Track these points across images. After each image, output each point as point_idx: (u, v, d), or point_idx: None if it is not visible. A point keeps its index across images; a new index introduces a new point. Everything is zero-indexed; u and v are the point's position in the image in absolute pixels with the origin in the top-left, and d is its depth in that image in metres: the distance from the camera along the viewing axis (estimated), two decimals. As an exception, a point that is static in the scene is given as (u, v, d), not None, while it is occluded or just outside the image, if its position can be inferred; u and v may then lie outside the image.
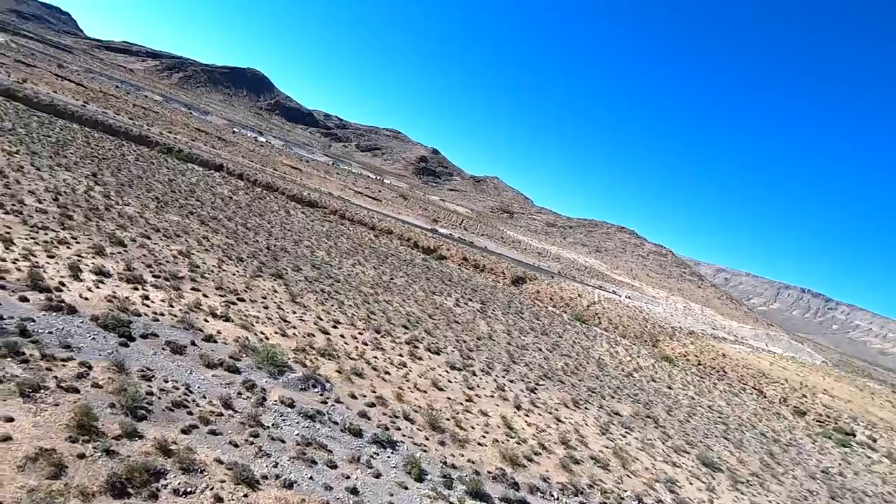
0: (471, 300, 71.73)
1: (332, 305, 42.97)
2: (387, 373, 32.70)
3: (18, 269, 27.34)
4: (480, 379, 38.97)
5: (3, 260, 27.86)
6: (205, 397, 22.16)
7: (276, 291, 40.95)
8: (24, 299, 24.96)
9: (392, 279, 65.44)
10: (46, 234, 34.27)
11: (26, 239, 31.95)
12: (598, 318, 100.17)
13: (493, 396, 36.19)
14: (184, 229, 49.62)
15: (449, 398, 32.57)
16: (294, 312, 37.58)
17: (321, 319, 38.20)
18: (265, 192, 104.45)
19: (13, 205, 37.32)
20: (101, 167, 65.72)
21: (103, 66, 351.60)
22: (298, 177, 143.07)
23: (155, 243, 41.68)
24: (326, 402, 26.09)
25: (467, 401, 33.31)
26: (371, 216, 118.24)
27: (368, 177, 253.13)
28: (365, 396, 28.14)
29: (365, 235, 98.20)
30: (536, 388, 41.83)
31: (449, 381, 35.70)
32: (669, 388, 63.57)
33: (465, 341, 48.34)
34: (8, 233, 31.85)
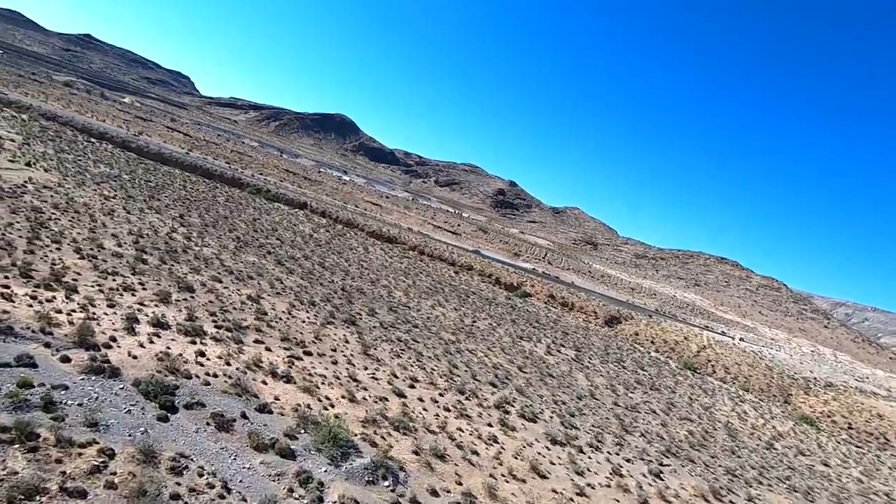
0: (563, 346, 63.38)
1: (410, 358, 37.49)
2: (474, 452, 26.13)
3: (71, 322, 24.65)
4: (590, 458, 31.03)
5: (59, 311, 25.44)
6: (245, 500, 17.03)
7: (347, 342, 36.31)
8: (65, 359, 21.89)
9: (475, 322, 59.27)
10: (114, 279, 32.35)
11: (91, 286, 29.92)
12: (712, 365, 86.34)
13: (609, 485, 28.15)
14: (258, 270, 47.35)
15: (555, 490, 25.20)
16: (366, 368, 32.47)
17: (396, 377, 32.71)
18: (345, 229, 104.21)
19: (91, 249, 36.42)
20: (189, 209, 67.22)
21: (211, 119, 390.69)
22: (379, 212, 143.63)
23: (225, 287, 39.10)
24: (400, 503, 20.09)
25: (578, 494, 25.70)
26: (451, 251, 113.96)
27: (447, 211, 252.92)
28: (449, 492, 21.79)
29: (445, 272, 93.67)
30: (662, 471, 32.90)
31: (552, 463, 28.29)
32: (825, 464, 50.28)
33: (563, 402, 40.48)
34: (75, 280, 30.06)
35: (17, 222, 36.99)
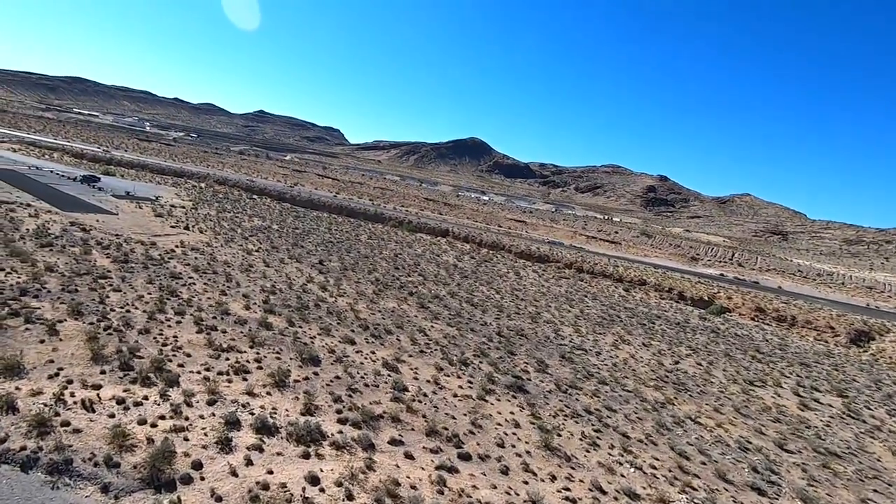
0: (817, 390, 43.98)
1: (612, 447, 25.06)
2: None
3: (150, 440, 17.93)
4: None
5: (143, 422, 19.10)
6: None
7: (517, 425, 25.43)
8: (120, 514, 14.72)
9: (677, 364, 43.90)
10: (228, 358, 26.36)
11: (198, 373, 23.92)
12: None
13: None
14: (398, 320, 39.50)
15: None
16: (553, 479, 21.07)
17: (603, 492, 20.65)
18: (491, 253, 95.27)
19: (214, 318, 31.72)
20: (331, 252, 64.11)
21: (358, 163, 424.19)
22: (524, 230, 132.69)
23: (358, 350, 31.45)
24: None
25: None
26: (614, 265, 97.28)
27: (595, 218, 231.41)
28: None
29: (614, 291, 78.28)
30: None
31: None
32: None
33: (891, 517, 23.84)
34: (182, 365, 24.42)
35: (149, 293, 34.25)
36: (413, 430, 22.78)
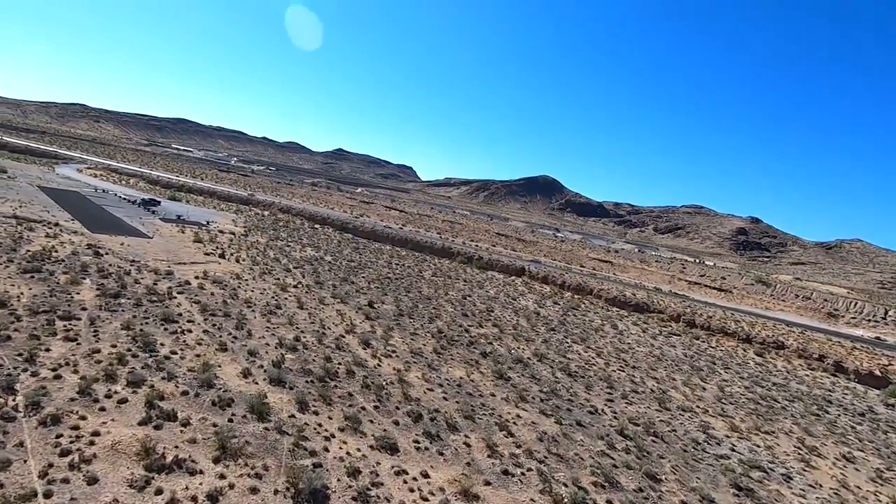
0: None
1: None
2: None
3: None
4: None
5: None
6: None
7: None
8: None
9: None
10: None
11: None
12: None
13: None
14: (468, 404, 26.18)
15: None
16: None
17: None
18: (577, 298, 79.82)
19: (182, 393, 20.27)
20: (386, 291, 52.50)
21: (428, 198, 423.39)
22: (610, 271, 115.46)
23: (399, 469, 18.49)
24: None
25: None
26: (733, 319, 78.06)
27: (685, 260, 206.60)
28: None
29: (744, 356, 59.98)
30: None
31: None
32: None
33: None
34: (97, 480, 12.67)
35: (113, 346, 23.68)
36: None
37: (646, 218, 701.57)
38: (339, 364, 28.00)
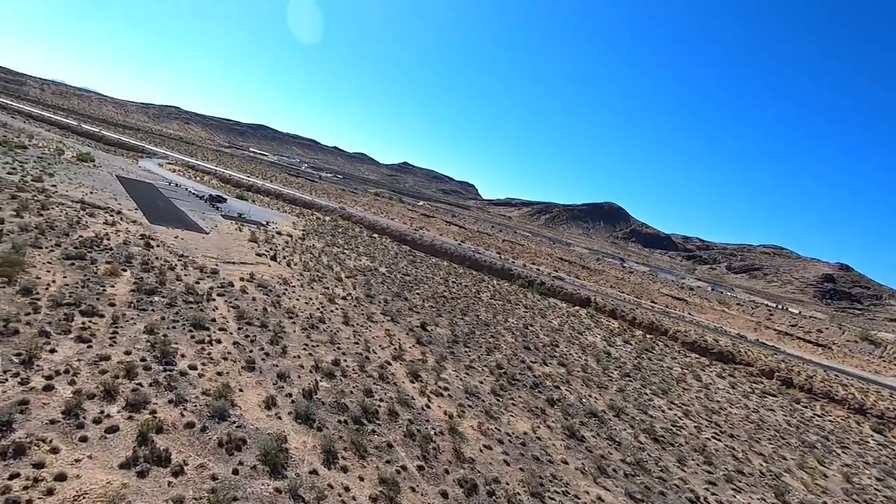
0: None
1: None
2: None
3: None
4: None
5: None
6: None
7: None
8: None
9: None
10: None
11: None
12: None
13: None
14: (534, 473, 20.62)
15: None
16: None
17: None
18: (650, 338, 71.36)
19: (186, 425, 16.32)
20: (441, 312, 47.80)
21: (488, 217, 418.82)
22: (685, 310, 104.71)
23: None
24: None
25: None
26: (841, 383, 66.56)
27: (767, 305, 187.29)
28: None
29: (861, 431, 49.51)
30: None
31: None
32: None
33: None
34: None
35: (127, 353, 20.44)
36: None
37: (717, 255, 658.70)
38: (381, 401, 23.36)
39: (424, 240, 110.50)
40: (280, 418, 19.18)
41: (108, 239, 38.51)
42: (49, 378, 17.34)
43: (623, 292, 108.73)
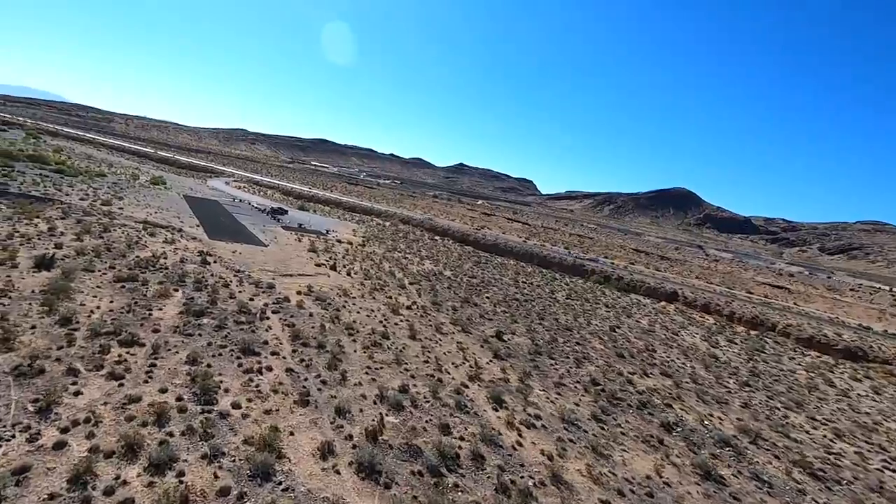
0: None
1: None
2: None
3: None
4: None
5: None
6: None
7: None
8: None
9: None
10: None
11: None
12: None
13: None
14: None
15: None
16: None
17: None
18: (756, 335, 62.07)
19: (219, 491, 12.59)
20: (516, 317, 42.75)
21: (550, 212, 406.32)
22: (789, 299, 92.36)
23: None
24: None
25: None
26: None
27: (885, 289, 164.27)
28: None
29: None
30: None
31: None
32: None
33: None
34: None
35: (162, 390, 17.36)
36: None
37: (807, 235, 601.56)
38: (462, 439, 18.82)
39: (487, 239, 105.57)
40: (338, 472, 15.15)
41: (165, 258, 37.02)
42: (65, 431, 14.33)
43: (712, 283, 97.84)
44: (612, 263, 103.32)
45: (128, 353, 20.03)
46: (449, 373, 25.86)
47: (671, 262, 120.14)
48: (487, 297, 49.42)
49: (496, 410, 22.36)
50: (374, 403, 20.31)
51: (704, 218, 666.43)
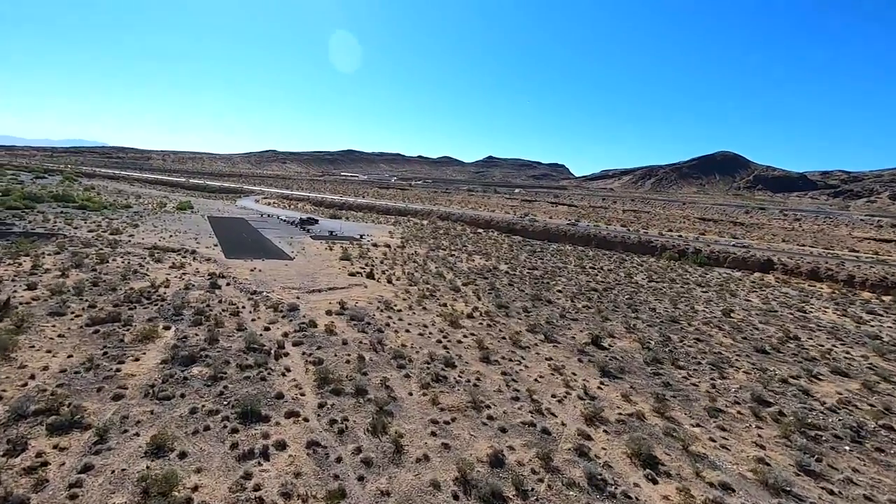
0: None
1: None
2: None
3: None
4: None
5: None
6: None
7: None
8: None
9: None
10: None
11: None
12: None
13: None
14: None
15: None
16: None
17: None
18: (874, 308, 50.15)
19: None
20: (605, 314, 33.46)
21: (588, 192, 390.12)
22: (900, 255, 78.04)
23: None
24: None
25: None
26: None
27: None
28: None
29: None
30: None
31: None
32: None
33: None
34: None
35: (153, 472, 9.73)
36: None
37: (873, 184, 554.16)
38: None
39: (536, 226, 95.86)
40: None
41: (167, 286, 30.15)
42: None
43: (804, 245, 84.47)
44: (680, 236, 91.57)
45: (54, 447, 12.53)
46: (554, 414, 17.20)
47: (746, 228, 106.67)
48: (559, 291, 40.36)
49: (653, 482, 13.53)
50: (455, 499, 11.94)
51: (755, 180, 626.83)
